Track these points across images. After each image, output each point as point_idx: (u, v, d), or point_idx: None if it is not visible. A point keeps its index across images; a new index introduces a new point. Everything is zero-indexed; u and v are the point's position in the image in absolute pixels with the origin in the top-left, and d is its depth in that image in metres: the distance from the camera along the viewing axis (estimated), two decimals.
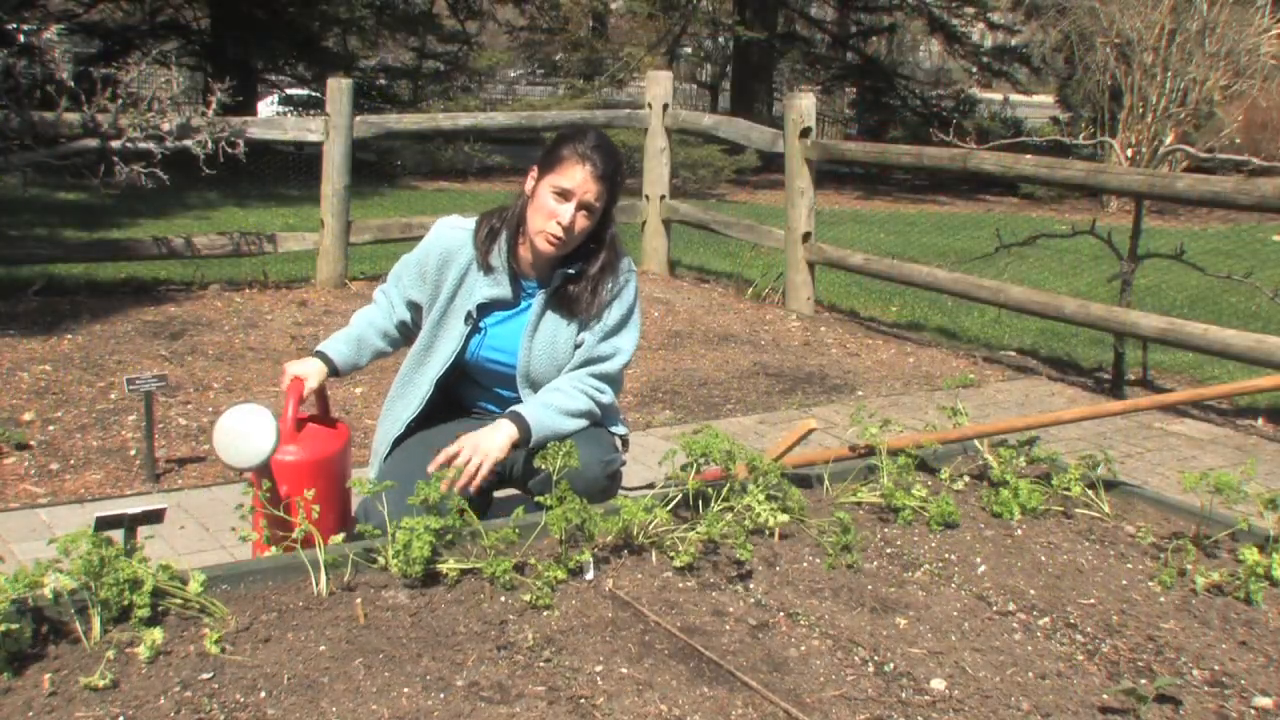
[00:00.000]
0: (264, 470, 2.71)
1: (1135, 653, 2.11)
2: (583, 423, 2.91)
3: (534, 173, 2.91)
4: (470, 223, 3.02)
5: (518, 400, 2.99)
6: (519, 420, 2.82)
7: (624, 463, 3.04)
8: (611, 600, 2.18)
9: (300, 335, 6.20)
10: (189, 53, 17.43)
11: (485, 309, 2.98)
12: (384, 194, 13.72)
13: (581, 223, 2.85)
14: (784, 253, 7.64)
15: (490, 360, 3.02)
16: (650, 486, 3.22)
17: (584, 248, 2.93)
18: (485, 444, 2.76)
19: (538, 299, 2.96)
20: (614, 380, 3.00)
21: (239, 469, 2.78)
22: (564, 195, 2.81)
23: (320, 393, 3.04)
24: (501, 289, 2.95)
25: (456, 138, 15.44)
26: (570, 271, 2.94)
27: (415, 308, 3.08)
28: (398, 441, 3.06)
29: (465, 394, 3.15)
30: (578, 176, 2.80)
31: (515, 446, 2.81)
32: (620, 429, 3.10)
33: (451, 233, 3.01)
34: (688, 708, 1.83)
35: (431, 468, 2.71)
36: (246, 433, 2.67)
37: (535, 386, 2.99)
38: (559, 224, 2.81)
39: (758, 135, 8.12)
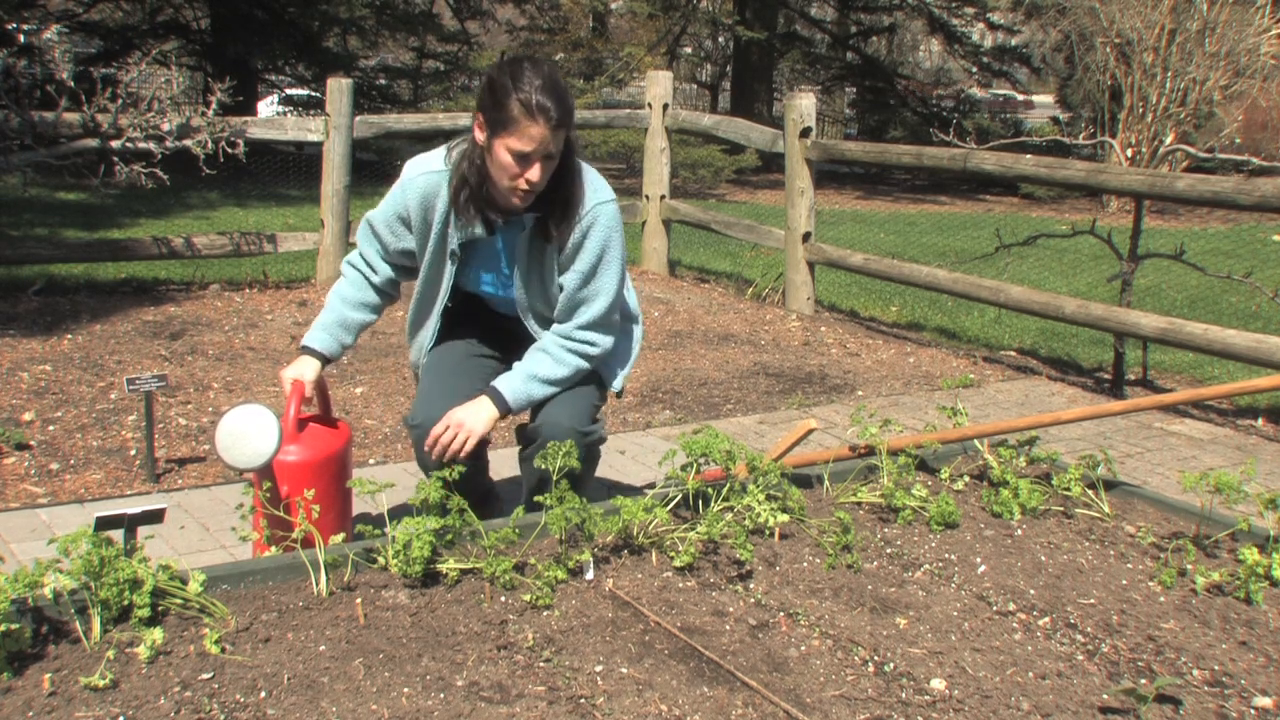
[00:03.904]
0: (265, 471, 2.71)
1: (1135, 653, 2.11)
2: (569, 381, 2.95)
3: (481, 123, 2.78)
4: (438, 162, 2.96)
5: (525, 329, 3.05)
6: (497, 398, 2.88)
7: (604, 437, 3.06)
8: (611, 600, 2.18)
9: (300, 335, 6.20)
10: (189, 53, 17.45)
11: (468, 247, 2.99)
12: (384, 194, 13.71)
13: (546, 169, 2.77)
14: (784, 253, 7.64)
15: (486, 294, 3.07)
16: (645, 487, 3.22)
17: (552, 178, 2.86)
18: (470, 422, 2.83)
19: (521, 241, 2.92)
20: (603, 325, 2.97)
21: (240, 470, 2.78)
22: (524, 158, 2.72)
23: (321, 390, 3.06)
24: (481, 228, 2.92)
25: (456, 137, 15.41)
26: (543, 206, 2.87)
27: (407, 254, 3.08)
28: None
29: (482, 313, 3.19)
30: (534, 135, 2.68)
31: (501, 418, 2.91)
32: (618, 381, 3.12)
33: (425, 178, 2.97)
34: (688, 708, 1.83)
35: (427, 446, 2.84)
36: (248, 434, 2.67)
37: (540, 317, 3.02)
38: (527, 181, 2.75)
39: (758, 135, 8.12)
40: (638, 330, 3.24)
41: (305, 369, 2.98)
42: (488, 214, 2.90)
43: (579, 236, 2.88)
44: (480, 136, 2.79)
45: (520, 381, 2.90)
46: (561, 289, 2.94)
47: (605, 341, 2.98)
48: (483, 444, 3.09)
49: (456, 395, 2.92)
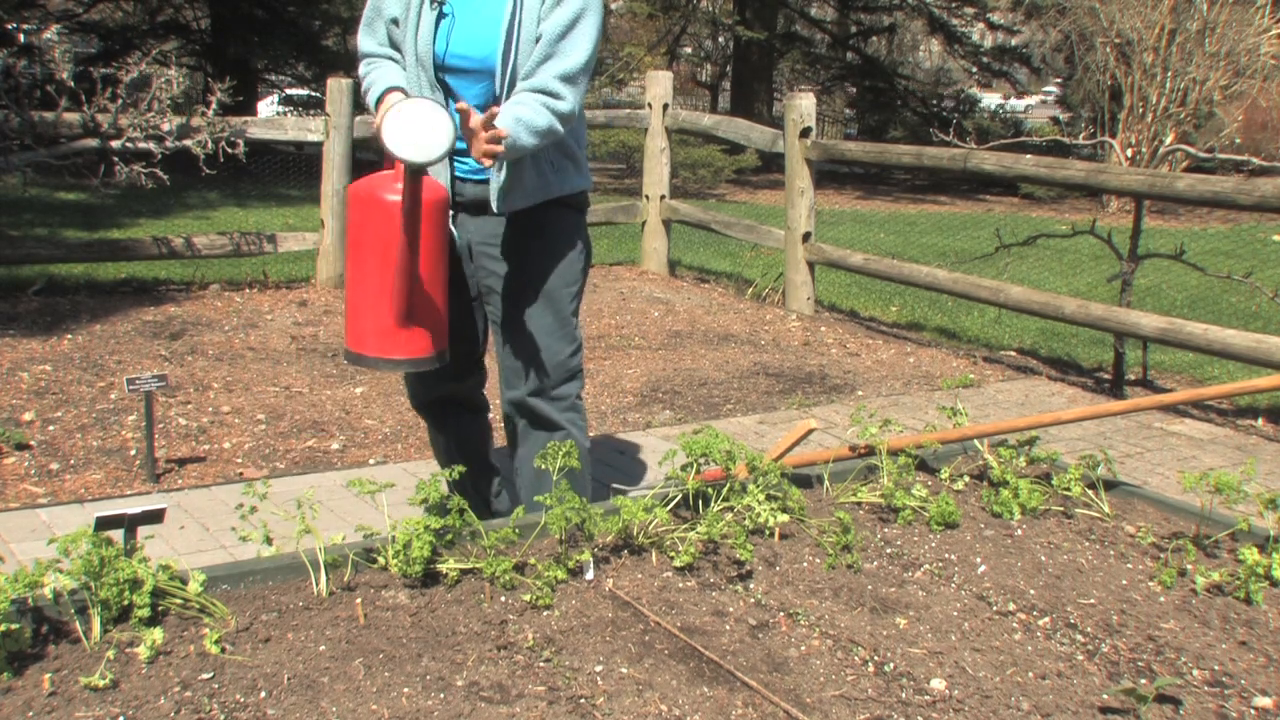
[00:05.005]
0: (418, 175, 2.57)
1: (1135, 653, 2.11)
2: (546, 139, 2.88)
3: None
4: None
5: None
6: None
7: (580, 408, 3.18)
8: (611, 600, 2.18)
9: (300, 335, 6.20)
10: (189, 53, 17.45)
11: None
12: None
13: None
14: (784, 253, 7.64)
15: (460, 57, 2.97)
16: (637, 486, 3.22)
17: None
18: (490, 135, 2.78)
19: None
20: (576, 81, 2.92)
21: (413, 163, 2.56)
22: None
23: None
24: None
25: None
26: None
27: (396, 23, 3.05)
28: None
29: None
30: None
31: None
32: (581, 167, 3.13)
33: None
34: (688, 708, 1.83)
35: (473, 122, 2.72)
36: (421, 127, 2.51)
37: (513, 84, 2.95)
38: None
39: (758, 135, 8.13)
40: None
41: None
42: None
43: None
44: None
45: (510, 121, 2.80)
46: (539, 39, 2.90)
47: (574, 101, 2.93)
48: (484, 414, 3.34)
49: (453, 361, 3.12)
